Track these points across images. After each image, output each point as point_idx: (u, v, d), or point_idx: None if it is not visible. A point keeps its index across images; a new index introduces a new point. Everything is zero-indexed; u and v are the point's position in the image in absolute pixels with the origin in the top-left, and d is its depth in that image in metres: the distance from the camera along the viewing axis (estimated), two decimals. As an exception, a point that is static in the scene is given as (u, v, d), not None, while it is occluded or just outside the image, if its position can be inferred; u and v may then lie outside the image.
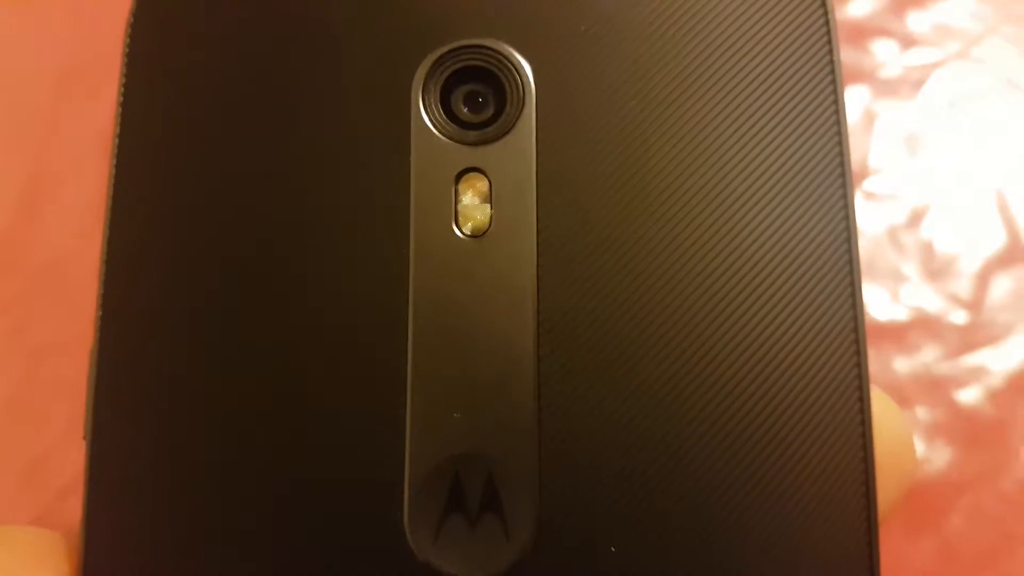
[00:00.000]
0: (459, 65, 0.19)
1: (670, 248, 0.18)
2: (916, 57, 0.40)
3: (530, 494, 0.17)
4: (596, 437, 0.17)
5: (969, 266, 0.37)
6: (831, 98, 0.18)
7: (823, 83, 0.18)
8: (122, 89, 0.19)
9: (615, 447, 0.17)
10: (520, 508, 0.17)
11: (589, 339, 0.18)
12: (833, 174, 0.18)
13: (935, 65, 0.40)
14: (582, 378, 0.18)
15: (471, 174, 0.18)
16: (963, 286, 0.37)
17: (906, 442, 0.19)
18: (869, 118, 0.39)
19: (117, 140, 0.19)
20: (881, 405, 0.18)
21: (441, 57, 0.19)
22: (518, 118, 0.18)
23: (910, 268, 0.37)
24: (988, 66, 0.40)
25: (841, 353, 0.18)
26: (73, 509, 0.28)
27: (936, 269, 0.37)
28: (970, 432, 0.35)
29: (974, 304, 0.37)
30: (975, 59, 0.40)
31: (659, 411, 0.17)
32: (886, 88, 0.40)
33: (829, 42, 0.19)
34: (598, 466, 0.17)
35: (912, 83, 0.40)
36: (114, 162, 0.19)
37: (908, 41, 0.40)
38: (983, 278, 0.37)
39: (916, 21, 0.40)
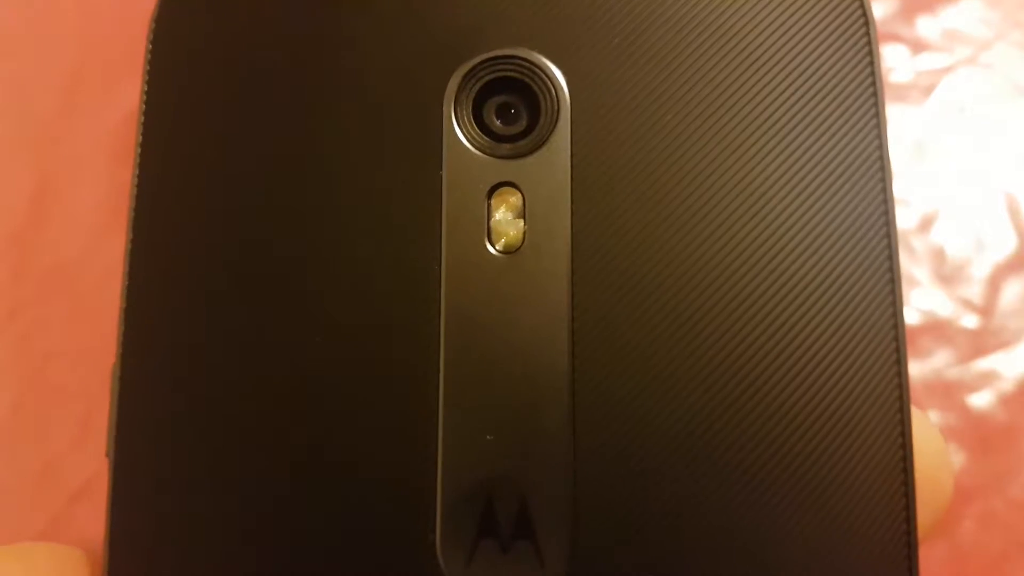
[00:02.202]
0: (492, 76, 0.18)
1: (709, 265, 0.18)
2: (926, 62, 0.40)
3: (564, 518, 0.17)
4: (632, 461, 0.17)
5: (980, 271, 0.37)
6: (872, 110, 0.18)
7: (864, 93, 0.18)
8: (144, 99, 0.19)
9: (652, 471, 0.17)
10: (554, 533, 0.17)
11: (625, 359, 0.17)
12: (875, 190, 0.18)
13: (945, 70, 0.40)
14: (618, 399, 0.17)
15: (504, 189, 0.18)
16: (974, 290, 0.37)
17: (944, 462, 0.18)
18: (880, 123, 0.39)
19: (139, 151, 0.19)
20: (920, 424, 0.18)
21: (473, 68, 0.18)
22: (552, 131, 0.18)
23: (921, 272, 0.37)
24: (997, 71, 0.40)
25: (882, 372, 0.17)
26: (85, 515, 0.28)
27: (947, 274, 0.37)
28: (981, 437, 0.35)
29: (985, 309, 0.37)
30: (984, 65, 0.40)
31: (698, 433, 0.17)
32: (896, 93, 0.39)
33: (870, 51, 0.18)
34: (634, 491, 0.17)
35: (922, 88, 0.40)
36: (136, 172, 0.18)
37: (918, 46, 0.40)
38: (994, 282, 0.37)
39: (926, 27, 0.40)
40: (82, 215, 0.38)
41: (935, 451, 0.18)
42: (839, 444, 0.17)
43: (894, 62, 0.40)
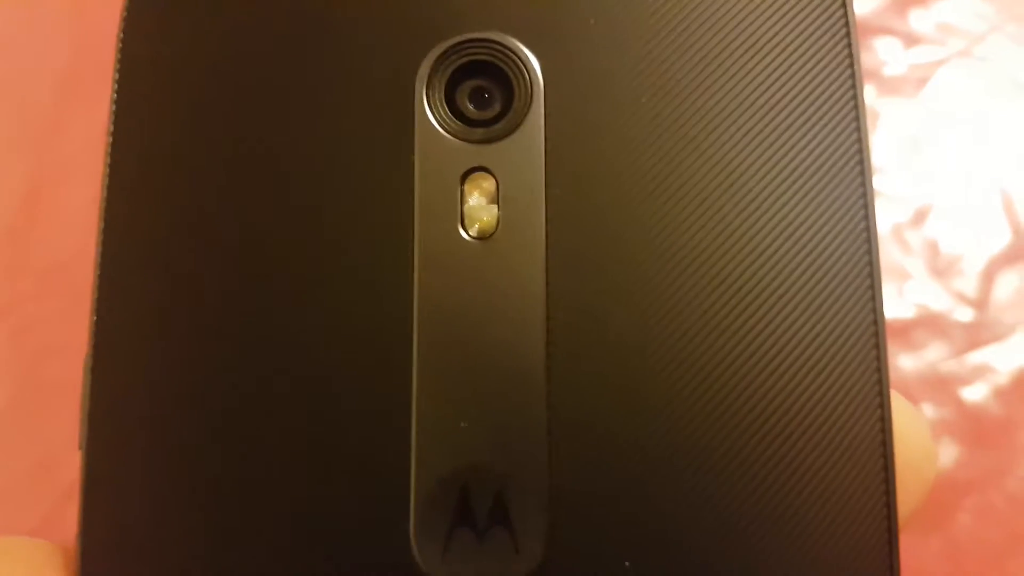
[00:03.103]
0: (465, 60, 0.18)
1: (684, 250, 0.17)
2: (919, 56, 0.40)
3: (540, 507, 0.17)
4: (608, 447, 0.17)
5: (974, 264, 0.37)
6: (850, 93, 0.18)
7: (842, 78, 0.18)
8: (115, 87, 0.19)
9: (628, 458, 0.17)
10: (530, 521, 0.17)
11: (601, 345, 0.17)
12: (852, 173, 0.18)
13: (938, 64, 0.40)
14: (594, 386, 0.17)
15: (477, 174, 0.18)
16: (968, 284, 0.37)
17: (926, 448, 0.18)
18: (872, 117, 0.39)
19: (110, 141, 0.18)
20: (901, 410, 0.17)
21: (446, 52, 0.18)
22: (526, 115, 0.18)
23: (915, 266, 0.37)
24: (991, 64, 0.40)
25: (861, 358, 0.17)
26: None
27: (941, 267, 0.37)
28: (976, 431, 0.35)
29: (980, 302, 0.37)
30: (978, 57, 0.40)
31: (673, 420, 0.17)
32: (889, 87, 0.39)
33: (848, 36, 0.18)
34: (610, 477, 0.17)
35: (915, 82, 0.39)
36: (107, 161, 0.18)
37: (911, 40, 0.40)
38: (988, 276, 0.37)
39: (919, 20, 0.40)
40: (77, 213, 0.38)
41: (916, 435, 0.18)
42: (817, 429, 0.17)
43: (887, 55, 0.40)
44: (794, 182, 0.18)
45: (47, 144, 0.39)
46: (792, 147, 0.18)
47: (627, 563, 0.17)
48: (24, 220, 0.38)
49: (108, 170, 0.18)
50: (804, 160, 0.18)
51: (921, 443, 0.18)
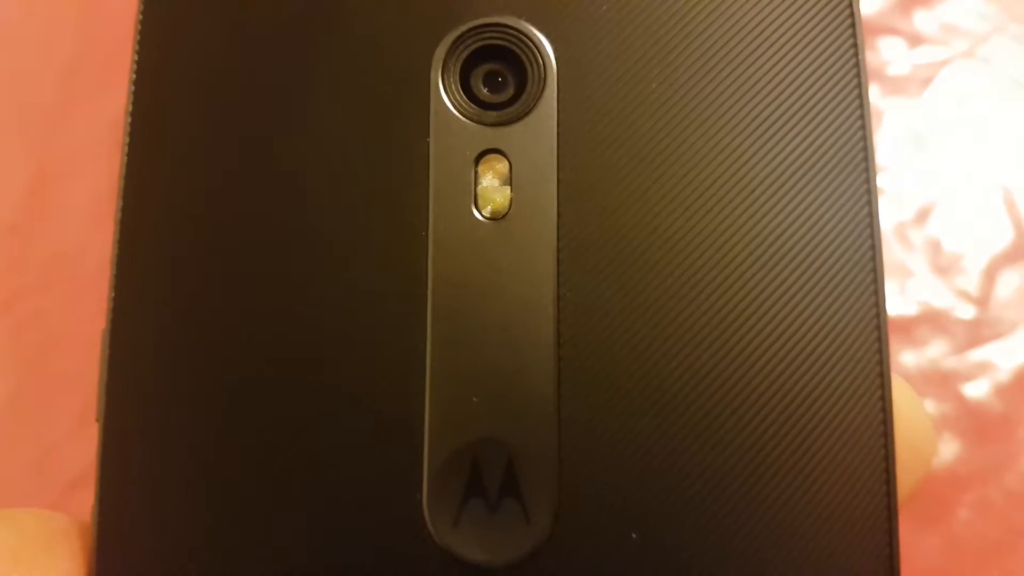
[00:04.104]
0: (479, 44, 0.18)
1: (691, 233, 0.18)
2: (923, 55, 0.40)
3: (550, 479, 0.17)
4: (616, 423, 0.17)
5: (976, 262, 0.37)
6: (855, 86, 0.18)
7: (848, 72, 0.18)
8: (133, 77, 0.19)
9: (635, 433, 0.17)
10: (540, 493, 0.17)
11: (609, 324, 0.17)
12: (856, 162, 0.18)
13: (942, 64, 0.40)
14: (602, 363, 0.17)
15: (491, 156, 0.18)
16: (970, 281, 0.37)
17: (925, 430, 0.18)
18: (876, 116, 0.39)
19: (129, 122, 0.19)
20: (902, 393, 0.18)
21: (461, 36, 0.18)
22: (539, 99, 0.18)
23: (918, 263, 0.37)
24: (994, 65, 0.40)
25: (863, 342, 0.17)
26: (83, 502, 0.28)
27: (944, 265, 0.37)
28: (977, 427, 0.35)
29: (981, 299, 0.37)
30: (981, 58, 0.40)
31: (679, 398, 0.17)
32: (893, 86, 0.40)
33: (854, 31, 0.18)
34: (618, 452, 0.17)
35: (919, 81, 0.40)
36: (127, 140, 0.19)
37: (915, 40, 0.40)
38: (990, 274, 0.37)
39: (923, 20, 0.41)
40: (80, 205, 0.38)
41: (915, 417, 0.18)
42: (819, 409, 0.17)
43: (891, 55, 0.40)
44: (797, 170, 0.18)
45: (50, 138, 0.39)
46: (796, 137, 0.18)
47: (634, 535, 0.17)
48: (27, 213, 0.38)
49: (128, 148, 0.19)
50: (808, 150, 0.18)
51: (920, 425, 0.19)
